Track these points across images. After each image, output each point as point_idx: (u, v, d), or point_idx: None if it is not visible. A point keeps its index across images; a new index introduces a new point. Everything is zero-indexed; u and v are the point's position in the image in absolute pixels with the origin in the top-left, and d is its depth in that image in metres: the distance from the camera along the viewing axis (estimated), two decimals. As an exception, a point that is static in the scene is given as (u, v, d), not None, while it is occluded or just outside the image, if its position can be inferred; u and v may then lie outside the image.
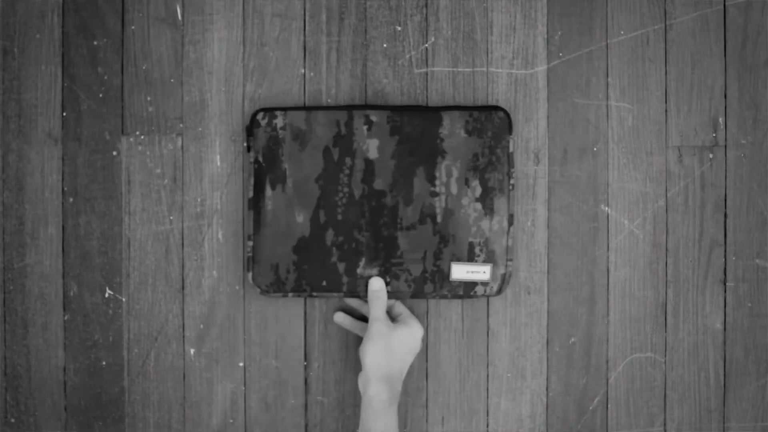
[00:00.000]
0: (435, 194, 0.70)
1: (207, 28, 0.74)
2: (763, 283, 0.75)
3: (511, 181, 0.71)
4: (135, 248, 0.74)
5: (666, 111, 0.75)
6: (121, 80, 0.74)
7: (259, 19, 0.74)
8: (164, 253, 0.74)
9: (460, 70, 0.74)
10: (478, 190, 0.70)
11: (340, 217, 0.70)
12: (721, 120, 0.75)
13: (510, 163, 0.71)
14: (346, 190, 0.70)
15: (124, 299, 0.74)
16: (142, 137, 0.74)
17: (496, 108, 0.71)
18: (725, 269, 0.75)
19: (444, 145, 0.70)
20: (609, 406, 0.75)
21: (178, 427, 0.74)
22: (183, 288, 0.74)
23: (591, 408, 0.75)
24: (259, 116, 0.70)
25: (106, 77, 0.74)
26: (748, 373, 0.75)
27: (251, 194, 0.70)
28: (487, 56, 0.74)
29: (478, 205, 0.70)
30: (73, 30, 0.74)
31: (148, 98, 0.74)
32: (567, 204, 0.74)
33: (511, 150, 0.71)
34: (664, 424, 0.75)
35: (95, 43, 0.74)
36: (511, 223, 0.71)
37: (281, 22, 0.74)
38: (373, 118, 0.70)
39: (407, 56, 0.74)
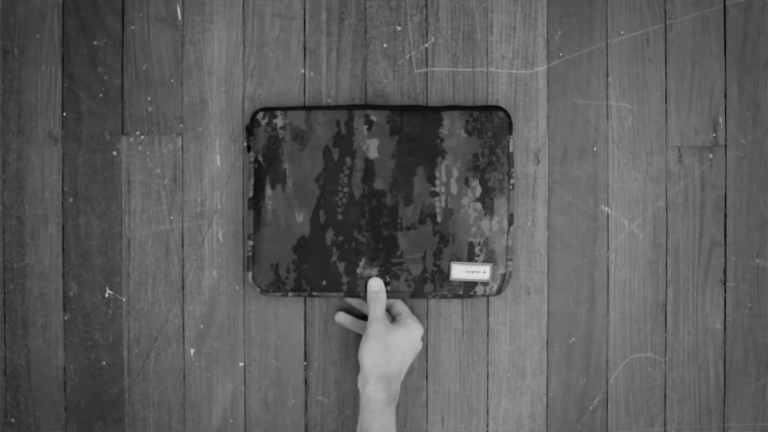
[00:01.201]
0: (435, 194, 0.70)
1: (207, 28, 0.74)
2: (763, 283, 0.75)
3: (511, 181, 0.71)
4: (135, 248, 0.74)
5: (666, 111, 0.75)
6: (121, 80, 0.74)
7: (259, 19, 0.74)
8: (164, 253, 0.74)
9: (460, 70, 0.74)
10: (478, 190, 0.70)
11: (340, 216, 0.70)
12: (721, 120, 0.75)
13: (510, 162, 0.70)
14: (346, 190, 0.70)
15: (124, 299, 0.74)
16: (142, 137, 0.74)
17: (496, 108, 0.71)
18: (725, 269, 0.75)
19: (444, 145, 0.70)
20: (609, 406, 0.75)
21: (178, 427, 0.74)
22: (183, 288, 0.74)
23: (591, 408, 0.75)
24: (259, 116, 0.70)
25: (106, 77, 0.74)
26: (748, 373, 0.75)
27: (251, 194, 0.70)
28: (487, 56, 0.74)
29: (478, 205, 0.70)
30: (73, 30, 0.74)
31: (148, 98, 0.74)
32: (567, 204, 0.74)
33: (511, 150, 0.71)
34: (664, 424, 0.75)
35: (95, 43, 0.74)
36: (511, 222, 0.71)
37: (281, 22, 0.74)
38: (373, 118, 0.70)
39: (407, 56, 0.74)
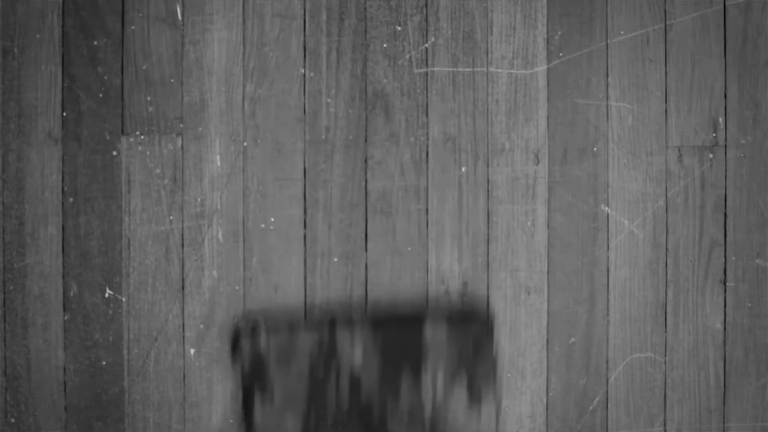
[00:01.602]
0: (422, 398, 0.71)
1: (207, 28, 0.74)
2: (763, 283, 0.75)
3: (497, 376, 0.72)
4: (135, 248, 0.74)
5: (666, 111, 0.75)
6: (121, 80, 0.74)
7: (259, 19, 0.74)
8: (164, 253, 0.74)
9: (460, 70, 0.74)
10: (465, 390, 0.71)
11: (329, 426, 0.71)
12: (721, 120, 0.75)
13: (494, 363, 0.71)
14: (333, 400, 0.71)
15: (124, 299, 0.74)
16: (142, 137, 0.74)
17: (477, 316, 0.71)
18: (725, 269, 0.75)
19: (428, 352, 0.71)
20: (609, 406, 0.75)
21: (178, 427, 0.74)
22: (183, 288, 0.74)
23: (591, 408, 0.75)
24: (242, 336, 0.71)
25: (106, 77, 0.74)
26: (748, 373, 0.75)
27: (242, 407, 0.71)
28: (487, 56, 0.74)
29: (465, 403, 0.71)
30: (73, 30, 0.74)
31: (148, 98, 0.74)
32: (567, 204, 0.74)
33: (494, 354, 0.71)
34: (664, 424, 0.75)
35: (95, 43, 0.74)
36: (499, 413, 0.71)
37: (281, 22, 0.74)
38: (356, 332, 0.71)
39: (407, 56, 0.74)
